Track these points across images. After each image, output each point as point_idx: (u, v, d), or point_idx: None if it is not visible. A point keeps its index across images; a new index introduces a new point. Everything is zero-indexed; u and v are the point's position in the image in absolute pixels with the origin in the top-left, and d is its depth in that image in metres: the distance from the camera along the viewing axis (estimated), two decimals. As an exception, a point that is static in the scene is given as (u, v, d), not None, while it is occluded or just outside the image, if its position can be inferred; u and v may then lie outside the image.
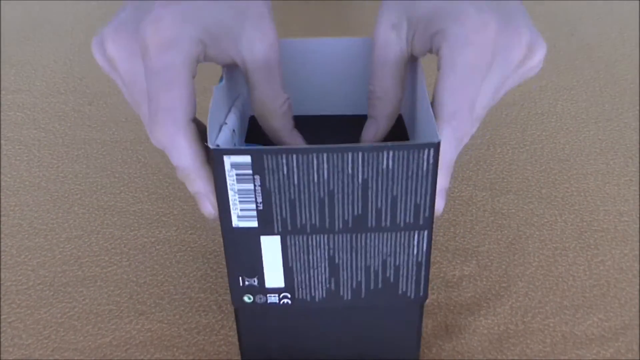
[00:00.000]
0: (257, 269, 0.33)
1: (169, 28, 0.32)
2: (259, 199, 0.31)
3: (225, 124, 0.35)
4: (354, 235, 0.33)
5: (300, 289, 0.34)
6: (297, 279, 0.34)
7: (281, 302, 0.35)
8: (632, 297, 0.44)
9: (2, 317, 0.43)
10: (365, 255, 0.33)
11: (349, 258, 0.33)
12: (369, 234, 0.33)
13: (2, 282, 0.45)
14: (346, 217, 0.32)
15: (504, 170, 0.54)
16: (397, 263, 0.34)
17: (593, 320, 0.43)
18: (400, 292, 0.35)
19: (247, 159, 0.30)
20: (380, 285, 0.34)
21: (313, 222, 0.32)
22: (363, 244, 0.33)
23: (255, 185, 0.31)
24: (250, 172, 0.30)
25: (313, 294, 0.34)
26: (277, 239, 0.33)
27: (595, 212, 0.50)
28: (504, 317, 0.43)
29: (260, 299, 0.35)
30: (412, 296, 0.35)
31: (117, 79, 0.35)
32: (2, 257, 0.47)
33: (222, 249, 0.48)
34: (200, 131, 0.34)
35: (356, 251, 0.33)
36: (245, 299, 0.35)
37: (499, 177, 0.54)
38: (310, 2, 0.78)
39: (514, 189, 0.52)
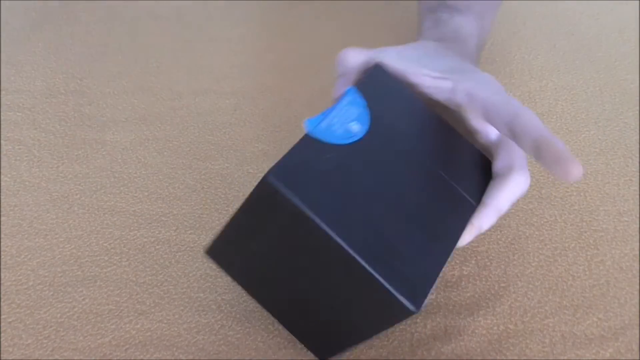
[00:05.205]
0: None
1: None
2: None
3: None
4: None
5: None
6: None
7: None
8: (632, 297, 0.44)
9: (2, 317, 0.43)
10: None
11: None
12: None
13: (2, 282, 0.45)
14: None
15: (503, 170, 0.54)
16: None
17: (592, 320, 0.43)
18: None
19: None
20: None
21: None
22: None
23: None
24: None
25: None
26: None
27: (595, 212, 0.50)
28: (503, 317, 0.43)
29: None
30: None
31: None
32: (2, 257, 0.47)
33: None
34: None
35: None
36: None
37: (499, 177, 0.54)
38: (314, 2, 0.78)
39: (514, 189, 0.52)
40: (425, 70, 0.41)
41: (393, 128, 0.38)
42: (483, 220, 0.39)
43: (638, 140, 0.57)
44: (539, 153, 0.36)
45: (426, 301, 0.34)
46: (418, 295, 0.33)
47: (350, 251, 0.33)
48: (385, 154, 0.37)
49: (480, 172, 0.41)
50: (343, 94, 0.39)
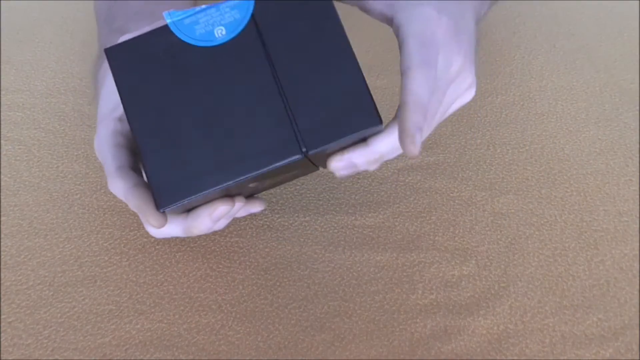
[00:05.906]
0: None
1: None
2: None
3: None
4: None
5: None
6: None
7: None
8: (632, 297, 0.44)
9: (2, 317, 0.43)
10: None
11: None
12: None
13: (2, 282, 0.45)
14: None
15: (504, 170, 0.54)
16: None
17: (592, 320, 0.43)
18: None
19: None
20: None
21: None
22: None
23: None
24: None
25: None
26: None
27: (595, 212, 0.50)
28: (503, 317, 0.43)
29: None
30: None
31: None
32: (2, 257, 0.47)
33: (222, 249, 0.48)
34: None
35: None
36: None
37: (499, 177, 0.54)
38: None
39: (514, 189, 0.52)
40: None
41: (265, 45, 0.36)
42: (358, 158, 0.38)
43: (638, 140, 0.57)
44: (399, 114, 0.36)
45: (176, 207, 0.37)
46: (170, 196, 0.36)
47: (138, 138, 0.36)
48: (231, 66, 0.36)
49: (347, 121, 0.35)
50: None
